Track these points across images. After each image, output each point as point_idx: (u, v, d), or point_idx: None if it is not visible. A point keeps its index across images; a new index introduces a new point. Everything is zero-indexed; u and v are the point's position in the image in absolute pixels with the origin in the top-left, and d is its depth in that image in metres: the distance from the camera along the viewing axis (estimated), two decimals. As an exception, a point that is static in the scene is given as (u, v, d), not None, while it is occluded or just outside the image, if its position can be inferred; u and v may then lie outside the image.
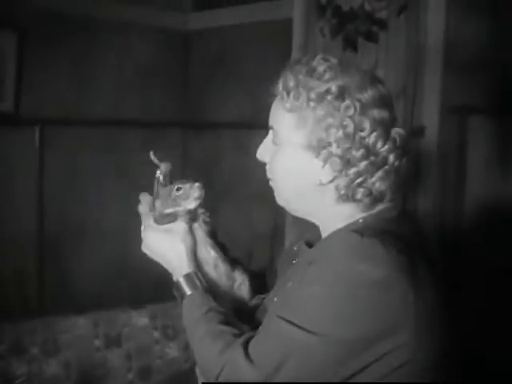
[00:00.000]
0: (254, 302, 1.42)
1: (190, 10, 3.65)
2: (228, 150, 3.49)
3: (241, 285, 1.42)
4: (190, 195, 1.36)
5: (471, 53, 2.44)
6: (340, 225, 1.22)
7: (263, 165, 1.31)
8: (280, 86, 1.22)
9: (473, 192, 2.44)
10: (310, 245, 1.34)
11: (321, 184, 1.20)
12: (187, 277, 1.29)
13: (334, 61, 1.20)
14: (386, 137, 1.17)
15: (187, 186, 1.37)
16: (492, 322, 2.24)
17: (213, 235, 1.42)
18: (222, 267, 1.39)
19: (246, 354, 1.12)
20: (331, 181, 1.19)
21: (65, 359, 2.17)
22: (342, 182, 1.18)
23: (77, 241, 3.23)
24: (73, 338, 2.18)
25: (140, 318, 2.33)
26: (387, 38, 2.59)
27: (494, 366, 2.18)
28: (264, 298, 1.40)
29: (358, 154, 1.15)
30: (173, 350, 2.33)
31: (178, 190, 1.36)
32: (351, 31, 2.69)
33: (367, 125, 1.15)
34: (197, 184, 1.37)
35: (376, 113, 1.16)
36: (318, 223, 1.28)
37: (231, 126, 3.46)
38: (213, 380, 1.16)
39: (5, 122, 3.00)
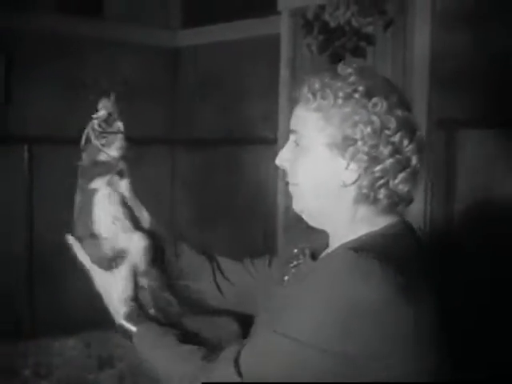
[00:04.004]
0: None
1: (179, 27, 3.66)
2: (217, 166, 3.49)
3: None
4: (113, 144, 1.36)
5: (457, 66, 2.46)
6: (351, 233, 1.21)
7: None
8: (305, 89, 1.22)
9: (462, 203, 2.46)
10: (313, 255, 1.33)
11: (344, 185, 1.19)
12: (126, 317, 1.31)
13: (356, 66, 1.22)
14: (411, 137, 1.18)
15: (111, 135, 1.36)
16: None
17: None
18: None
19: (239, 372, 1.11)
20: (355, 181, 1.18)
21: (57, 382, 2.15)
22: (366, 181, 1.17)
23: (67, 260, 3.20)
24: (65, 359, 2.17)
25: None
26: (374, 54, 2.62)
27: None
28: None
29: (386, 150, 1.16)
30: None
31: (103, 137, 1.36)
32: (338, 47, 2.71)
33: (393, 123, 1.16)
34: (119, 135, 1.37)
35: (400, 113, 1.18)
36: (330, 231, 1.27)
37: (220, 142, 3.47)
38: None
39: (-7, 141, 2.99)
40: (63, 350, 2.17)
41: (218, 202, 3.44)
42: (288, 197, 2.98)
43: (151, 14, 3.58)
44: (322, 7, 2.78)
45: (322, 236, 1.30)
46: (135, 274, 1.35)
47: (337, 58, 2.68)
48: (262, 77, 3.22)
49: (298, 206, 1.28)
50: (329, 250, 1.28)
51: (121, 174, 1.39)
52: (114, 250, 1.35)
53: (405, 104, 1.20)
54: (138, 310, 1.33)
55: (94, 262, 1.37)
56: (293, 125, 1.27)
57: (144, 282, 1.37)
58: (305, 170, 1.23)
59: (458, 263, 2.31)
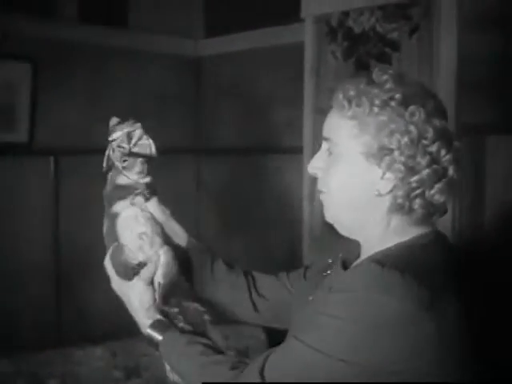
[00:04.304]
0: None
1: (202, 36, 3.67)
2: (241, 175, 3.48)
3: None
4: (133, 168, 1.35)
5: (485, 71, 2.42)
6: (382, 243, 1.20)
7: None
8: (340, 96, 1.19)
9: (491, 209, 2.42)
10: (344, 265, 1.32)
11: (379, 195, 1.17)
12: (152, 326, 1.31)
13: (392, 72, 1.19)
14: (448, 148, 1.16)
15: (131, 159, 1.35)
16: None
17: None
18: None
19: (263, 381, 1.10)
20: (390, 191, 1.16)
21: (84, 392, 2.16)
22: (401, 191, 1.16)
23: (93, 270, 3.22)
24: (91, 369, 2.16)
25: (158, 347, 2.31)
26: (400, 60, 2.59)
27: None
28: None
29: (423, 161, 1.14)
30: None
31: (124, 161, 1.35)
32: (363, 53, 2.69)
33: (430, 133, 1.14)
34: (139, 159, 1.35)
35: (438, 122, 1.15)
36: (361, 241, 1.26)
37: (244, 151, 3.46)
38: None
39: (19, 152, 3.01)
40: (89, 360, 2.17)
41: (243, 210, 3.43)
42: (313, 205, 2.96)
43: (174, 24, 3.59)
44: (346, 13, 2.76)
45: (354, 245, 1.29)
46: (152, 285, 1.35)
47: (362, 65, 2.66)
48: (286, 85, 3.21)
49: (329, 214, 1.26)
50: (359, 260, 1.27)
51: (145, 197, 1.37)
52: (136, 261, 1.34)
53: (441, 112, 1.18)
54: (165, 320, 1.32)
55: (115, 268, 1.37)
56: (325, 132, 1.24)
57: (168, 294, 1.36)
58: (338, 178, 1.21)
59: (489, 270, 2.27)
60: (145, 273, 1.34)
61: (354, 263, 1.28)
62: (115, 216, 1.36)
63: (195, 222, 3.57)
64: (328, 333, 1.08)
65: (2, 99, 2.95)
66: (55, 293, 3.03)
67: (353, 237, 1.26)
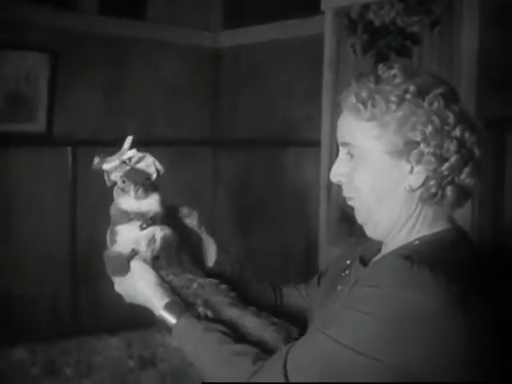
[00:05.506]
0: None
1: (220, 28, 3.66)
2: (259, 168, 3.47)
3: None
4: (130, 191, 1.32)
5: (507, 64, 2.40)
6: (407, 238, 1.19)
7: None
8: (352, 99, 1.17)
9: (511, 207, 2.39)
10: (363, 261, 1.29)
11: (411, 189, 1.16)
12: (166, 308, 1.26)
13: (397, 65, 1.17)
14: (471, 129, 1.15)
15: (129, 180, 1.32)
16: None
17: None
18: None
19: (286, 374, 1.08)
20: (422, 184, 1.15)
21: (99, 380, 2.16)
22: (433, 181, 1.14)
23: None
24: (106, 358, 2.17)
25: (174, 338, 2.32)
26: (420, 53, 2.57)
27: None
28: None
29: (452, 146, 1.12)
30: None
31: (123, 181, 1.32)
32: (383, 47, 2.67)
33: (451, 118, 1.12)
34: (132, 185, 1.31)
35: (456, 106, 1.14)
36: (389, 239, 1.23)
37: (262, 143, 3.45)
38: None
39: (38, 142, 3.03)
40: (105, 349, 2.18)
41: (260, 203, 3.43)
42: (330, 198, 2.93)
43: (193, 16, 3.59)
44: (366, 6, 2.74)
45: (371, 242, 1.27)
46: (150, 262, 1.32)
47: (382, 58, 2.64)
48: (305, 78, 3.20)
49: (361, 218, 1.23)
50: (382, 254, 1.25)
51: (154, 222, 1.33)
52: (129, 249, 1.31)
53: (455, 96, 1.17)
54: (180, 302, 1.28)
55: (110, 269, 1.35)
56: (342, 137, 1.21)
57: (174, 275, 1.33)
58: (366, 180, 1.19)
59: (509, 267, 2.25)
60: (139, 256, 1.32)
61: (375, 258, 1.27)
62: (116, 234, 1.34)
63: (212, 214, 3.57)
64: (353, 327, 1.07)
65: (21, 90, 2.97)
66: (72, 282, 3.04)
67: (382, 238, 1.24)
